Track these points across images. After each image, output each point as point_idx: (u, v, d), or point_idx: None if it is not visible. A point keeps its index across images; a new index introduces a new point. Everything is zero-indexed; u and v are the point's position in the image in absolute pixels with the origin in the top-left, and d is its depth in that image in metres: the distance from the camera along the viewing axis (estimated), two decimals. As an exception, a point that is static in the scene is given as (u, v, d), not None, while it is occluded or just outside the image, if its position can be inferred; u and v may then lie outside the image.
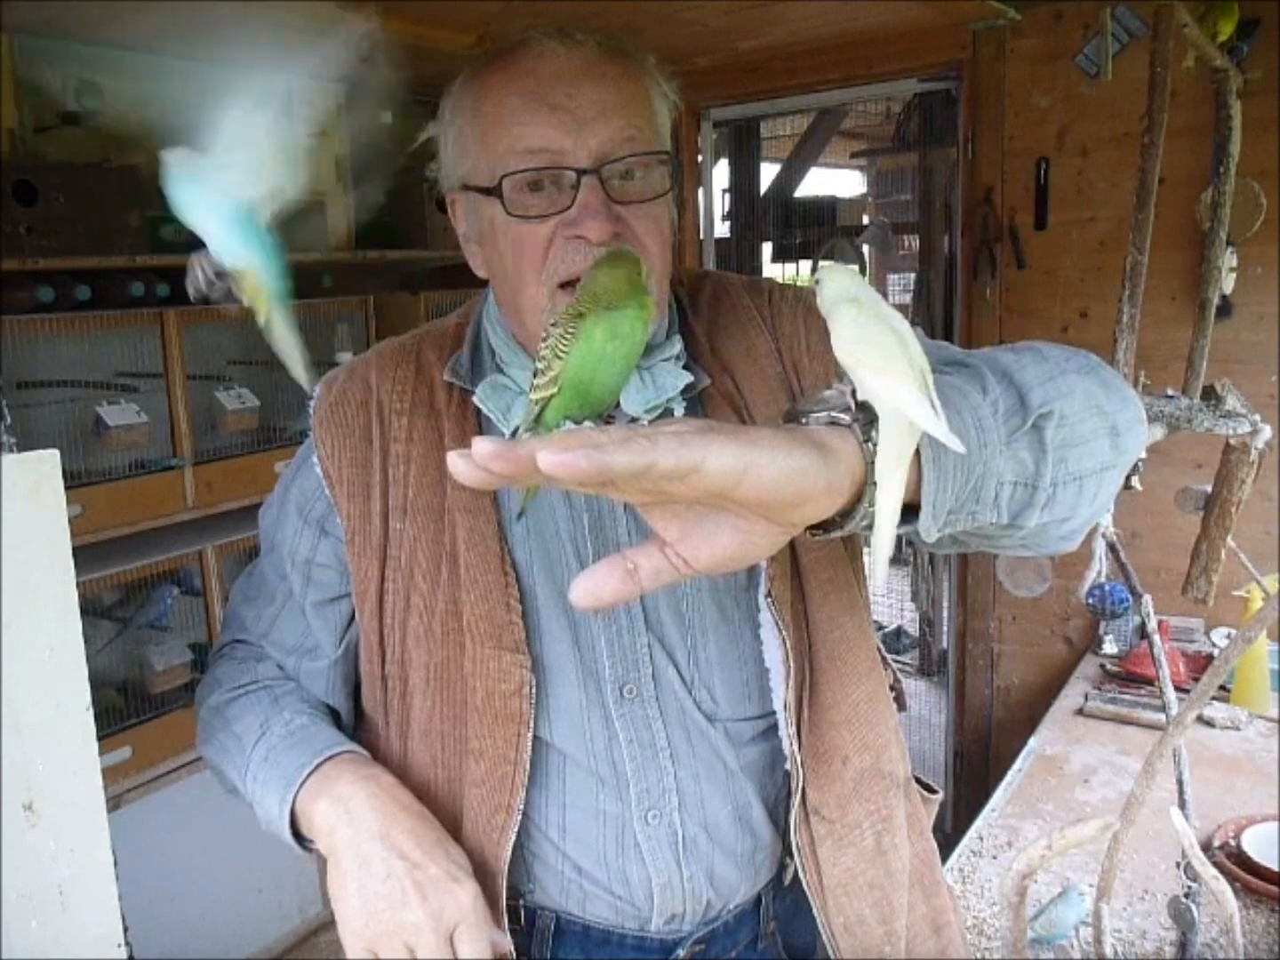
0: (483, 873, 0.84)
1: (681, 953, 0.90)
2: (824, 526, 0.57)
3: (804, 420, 0.56)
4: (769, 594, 0.84)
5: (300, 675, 0.97)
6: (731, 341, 0.89)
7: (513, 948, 0.85)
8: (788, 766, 0.86)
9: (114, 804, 2.11)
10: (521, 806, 0.84)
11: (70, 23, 2.07)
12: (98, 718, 0.63)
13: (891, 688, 0.94)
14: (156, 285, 2.21)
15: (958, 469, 0.57)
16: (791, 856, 0.88)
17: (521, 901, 0.90)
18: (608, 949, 0.90)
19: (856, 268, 0.61)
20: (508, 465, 0.46)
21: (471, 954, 0.78)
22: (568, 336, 0.66)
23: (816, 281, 0.62)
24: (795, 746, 0.85)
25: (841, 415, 0.55)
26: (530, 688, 0.83)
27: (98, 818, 0.64)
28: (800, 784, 0.85)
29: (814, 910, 0.87)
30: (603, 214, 0.80)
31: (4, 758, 0.59)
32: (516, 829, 0.84)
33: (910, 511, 0.57)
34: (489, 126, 0.83)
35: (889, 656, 0.94)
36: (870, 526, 0.55)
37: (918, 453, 0.55)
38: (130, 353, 2.21)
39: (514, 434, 0.81)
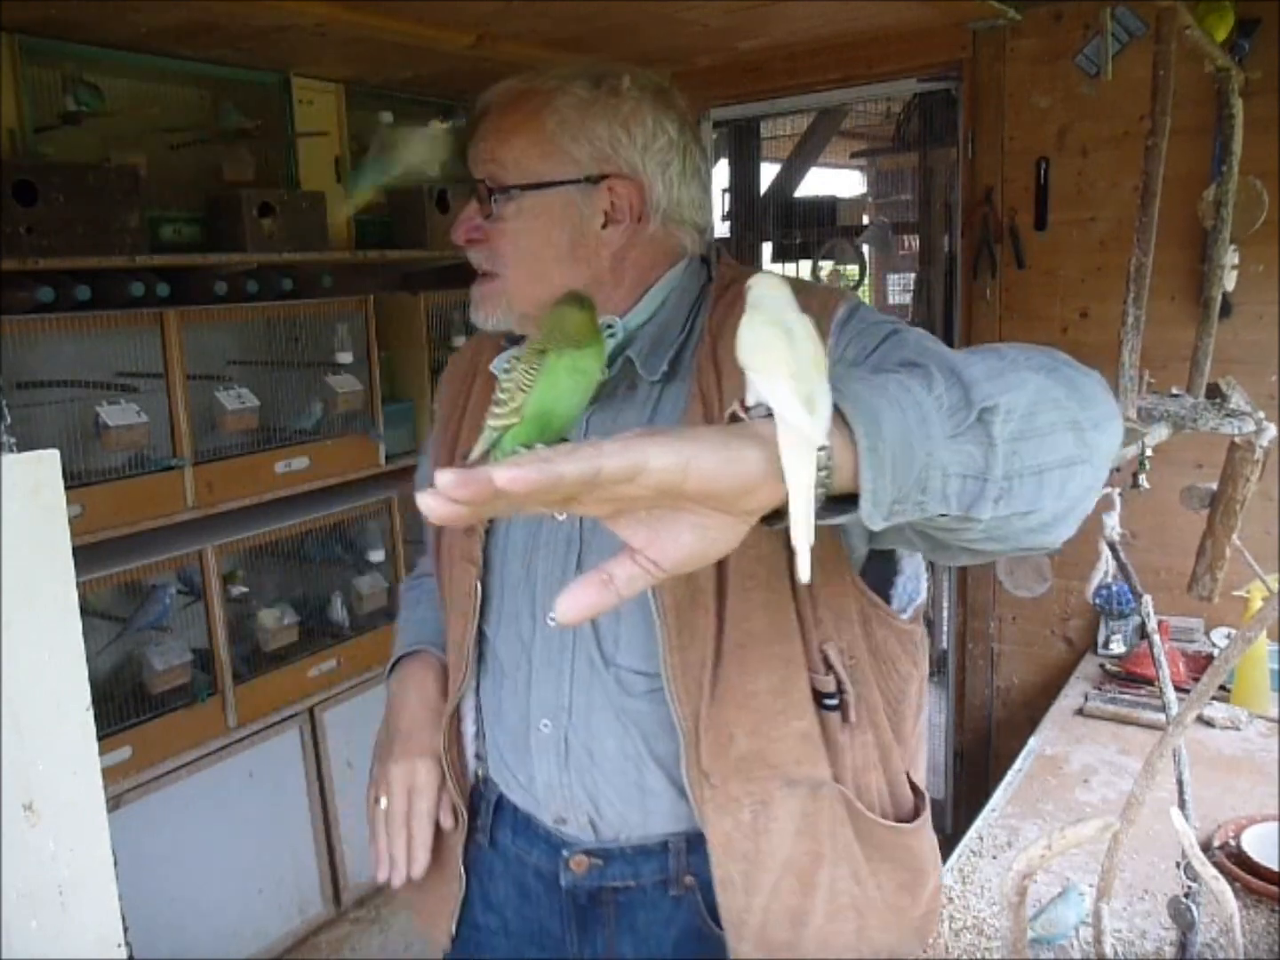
0: (464, 738, 1.12)
1: (568, 855, 1.05)
2: (779, 515, 0.59)
3: (745, 418, 0.60)
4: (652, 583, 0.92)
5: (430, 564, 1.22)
6: (729, 341, 0.93)
7: (464, 813, 1.11)
8: (679, 729, 0.96)
9: (114, 804, 2.11)
10: (472, 684, 1.10)
11: (70, 23, 2.07)
12: (98, 718, 0.63)
13: (831, 696, 0.97)
14: (156, 285, 2.20)
15: (898, 460, 0.59)
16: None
17: (481, 770, 1.14)
18: (526, 833, 1.10)
19: (781, 280, 0.66)
20: (468, 490, 0.50)
21: (416, 811, 1.08)
22: (532, 371, 0.72)
23: (747, 288, 0.65)
24: (681, 712, 0.95)
25: (761, 411, 0.59)
26: (476, 591, 1.05)
27: (98, 818, 0.64)
28: (691, 745, 0.96)
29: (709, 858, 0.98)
30: (463, 224, 1.01)
31: (4, 758, 0.59)
32: (459, 700, 1.10)
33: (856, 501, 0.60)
34: None
35: (842, 674, 0.96)
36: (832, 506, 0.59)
37: (856, 445, 0.58)
38: (130, 353, 2.21)
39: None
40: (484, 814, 1.13)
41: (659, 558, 0.57)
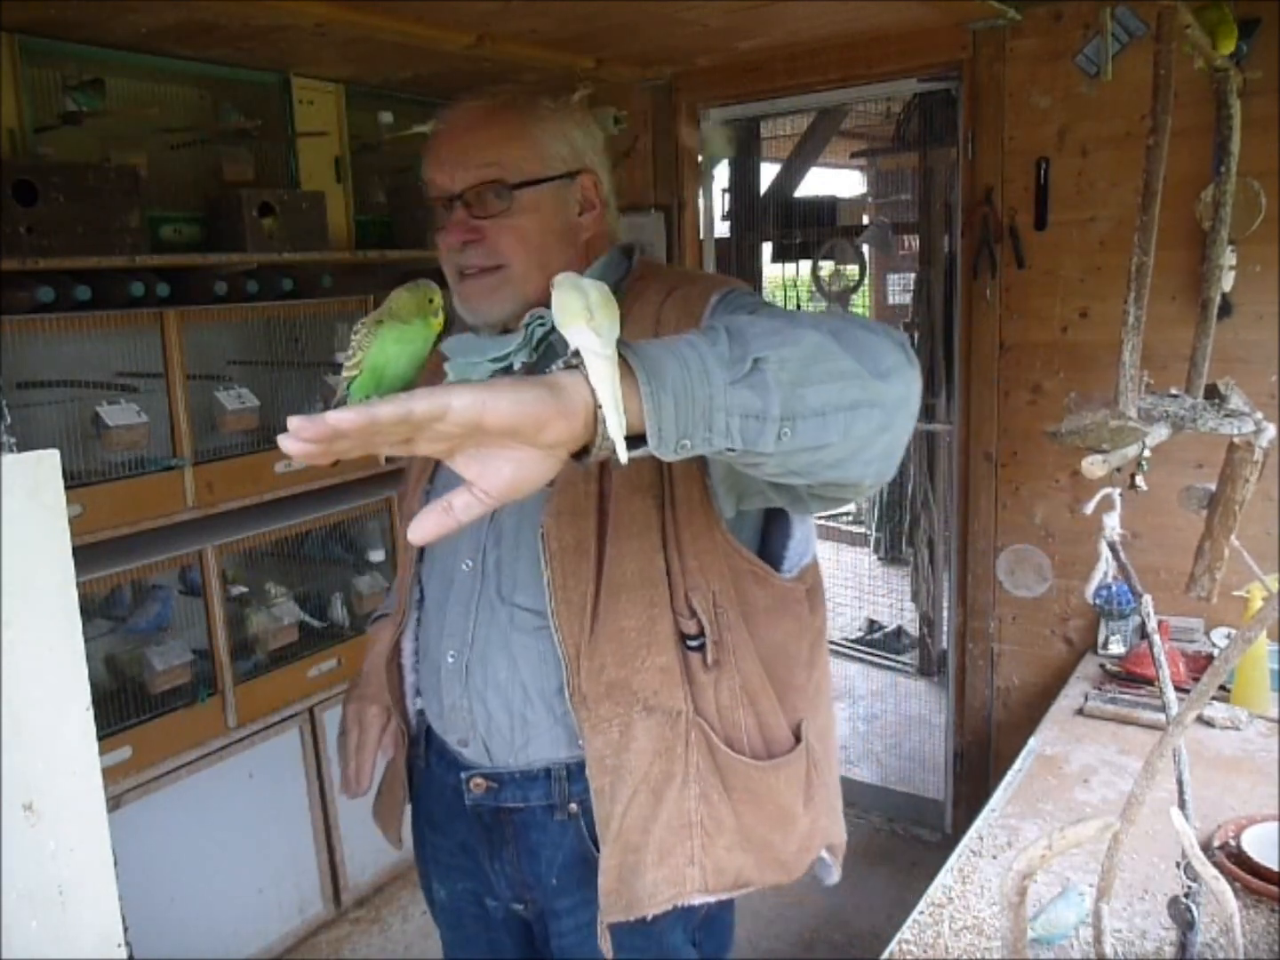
0: (405, 671, 1.29)
1: (465, 776, 1.22)
2: (584, 453, 0.73)
3: (545, 372, 0.75)
4: (541, 524, 1.10)
5: None
6: (632, 326, 1.06)
7: (406, 737, 1.30)
8: (559, 655, 1.12)
9: (114, 804, 2.11)
10: (407, 615, 1.26)
11: (70, 23, 2.07)
12: (98, 718, 0.63)
13: (694, 639, 1.12)
14: (156, 285, 2.21)
15: (679, 402, 0.72)
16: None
17: (418, 703, 1.29)
18: (443, 758, 1.27)
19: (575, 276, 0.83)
20: (312, 430, 0.62)
21: (356, 743, 1.31)
22: (369, 337, 0.91)
23: (553, 285, 0.80)
24: (564, 642, 1.11)
25: (572, 360, 0.73)
26: (416, 548, 1.22)
27: (98, 818, 0.64)
28: (573, 672, 1.11)
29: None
30: (455, 229, 1.13)
31: (4, 758, 0.59)
32: (403, 640, 1.27)
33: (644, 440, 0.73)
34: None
35: (705, 620, 1.11)
36: (613, 451, 0.71)
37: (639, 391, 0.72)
38: (130, 353, 2.21)
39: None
40: (420, 740, 1.31)
41: (488, 488, 0.71)
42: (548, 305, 0.93)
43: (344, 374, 0.94)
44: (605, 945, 1.15)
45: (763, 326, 0.79)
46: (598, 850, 1.15)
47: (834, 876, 1.29)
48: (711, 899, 1.15)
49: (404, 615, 1.27)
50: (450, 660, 1.20)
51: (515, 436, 0.68)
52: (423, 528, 0.72)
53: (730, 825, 1.14)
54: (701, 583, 1.11)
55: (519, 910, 1.29)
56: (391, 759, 1.35)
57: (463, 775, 1.22)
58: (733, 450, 0.76)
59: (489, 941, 1.35)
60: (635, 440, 0.73)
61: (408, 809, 1.36)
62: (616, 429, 0.70)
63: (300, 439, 0.63)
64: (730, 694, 1.14)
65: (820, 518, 5.90)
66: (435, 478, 1.22)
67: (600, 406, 0.70)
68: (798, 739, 1.19)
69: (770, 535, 1.18)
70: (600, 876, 1.14)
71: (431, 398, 0.65)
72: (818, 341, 0.79)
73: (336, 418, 0.62)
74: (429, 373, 1.16)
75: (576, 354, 0.73)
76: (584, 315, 0.74)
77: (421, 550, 1.24)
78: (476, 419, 0.66)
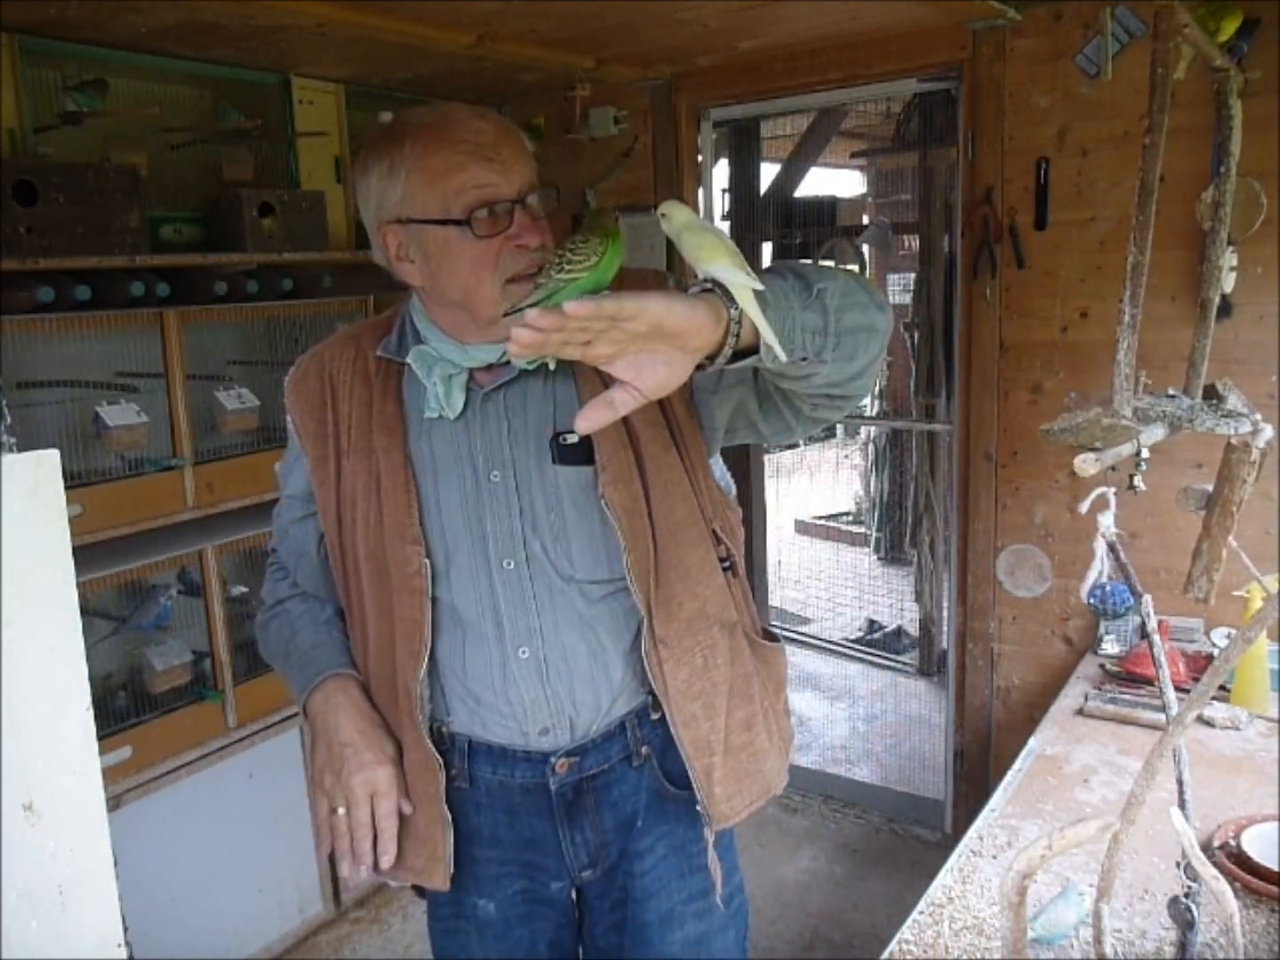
0: (409, 702, 1.24)
1: (555, 760, 1.25)
2: (711, 359, 0.90)
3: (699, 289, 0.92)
4: (602, 495, 1.18)
5: (300, 576, 1.38)
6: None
7: (442, 767, 1.25)
8: (640, 611, 1.20)
9: (114, 804, 2.11)
10: (427, 651, 1.22)
11: (70, 23, 2.07)
12: (98, 718, 0.63)
13: (725, 559, 1.29)
14: (156, 285, 2.21)
15: (777, 314, 0.90)
16: (650, 690, 1.24)
17: (444, 728, 1.27)
18: (506, 762, 1.27)
19: (687, 205, 1.02)
20: (548, 320, 0.79)
21: (384, 813, 1.24)
22: (601, 244, 0.98)
23: (662, 215, 0.95)
24: (640, 596, 1.20)
25: (707, 285, 0.90)
26: (425, 568, 1.21)
27: (98, 818, 0.64)
28: (650, 622, 1.20)
29: (665, 713, 1.23)
30: (534, 228, 1.17)
31: (4, 758, 0.59)
32: (424, 667, 1.22)
33: (750, 354, 0.92)
34: (437, 175, 1.15)
35: (727, 542, 1.29)
36: (737, 358, 0.91)
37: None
38: (130, 353, 2.21)
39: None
40: (457, 763, 1.29)
41: (642, 385, 0.87)
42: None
43: (561, 276, 0.97)
44: (714, 861, 1.27)
45: (808, 267, 1.00)
46: (673, 787, 1.29)
47: None
48: (768, 799, 1.33)
49: (420, 648, 1.22)
50: (524, 657, 1.22)
51: (679, 338, 0.86)
52: (591, 419, 0.89)
53: (771, 700, 1.35)
54: (716, 513, 1.29)
55: (586, 877, 1.33)
56: (418, 807, 1.27)
57: (551, 761, 1.25)
58: (805, 359, 0.95)
59: (530, 936, 1.38)
60: (744, 354, 0.92)
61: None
62: (772, 338, 0.90)
63: (538, 327, 0.79)
64: (743, 598, 1.34)
65: (820, 517, 5.91)
66: (427, 510, 1.23)
67: (737, 323, 0.89)
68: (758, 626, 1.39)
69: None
70: (710, 788, 1.24)
71: (635, 299, 0.82)
72: (845, 279, 1.00)
73: (572, 306, 0.78)
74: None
75: (711, 282, 0.90)
76: (728, 256, 0.90)
77: (433, 578, 1.21)
78: (661, 318, 0.83)
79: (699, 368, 0.91)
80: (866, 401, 4.71)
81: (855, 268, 3.81)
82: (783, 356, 0.91)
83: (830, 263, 3.77)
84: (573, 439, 1.19)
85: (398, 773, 1.26)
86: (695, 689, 1.23)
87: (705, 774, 1.24)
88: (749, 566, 1.66)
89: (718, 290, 0.89)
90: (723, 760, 1.25)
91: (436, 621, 1.23)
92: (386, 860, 1.24)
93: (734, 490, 1.39)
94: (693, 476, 1.25)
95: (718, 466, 1.34)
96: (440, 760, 1.24)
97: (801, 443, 6.27)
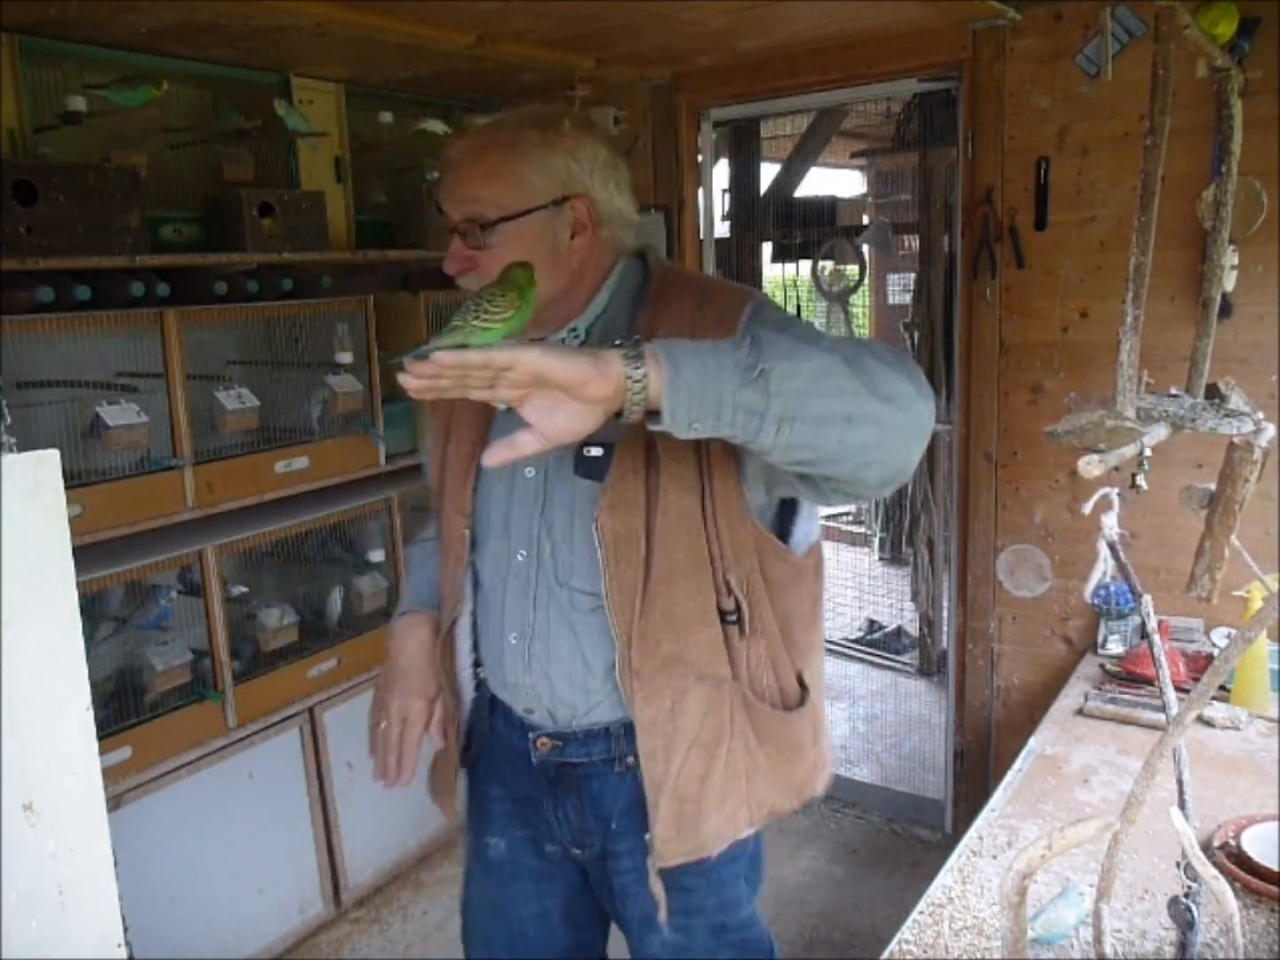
0: (446, 649, 1.39)
1: (533, 737, 1.34)
2: (620, 415, 0.94)
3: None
4: (595, 517, 1.22)
5: (433, 524, 1.52)
6: (708, 322, 1.22)
7: (461, 720, 1.42)
8: (616, 638, 1.23)
9: (114, 804, 2.11)
10: (464, 609, 1.37)
11: (70, 23, 2.07)
12: (98, 718, 0.63)
13: (731, 614, 1.26)
14: (156, 285, 2.21)
15: (693, 392, 0.92)
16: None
17: (481, 675, 1.40)
18: (508, 722, 1.39)
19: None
20: (422, 368, 0.90)
21: (408, 739, 1.39)
22: (517, 299, 1.04)
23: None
24: (618, 624, 1.23)
25: (614, 344, 0.95)
26: (467, 538, 1.33)
27: (98, 818, 0.64)
28: (624, 649, 1.24)
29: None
30: (453, 258, 1.24)
31: (4, 758, 0.59)
32: (461, 622, 1.38)
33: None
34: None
35: (740, 596, 1.25)
36: (645, 414, 0.94)
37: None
38: (130, 353, 2.21)
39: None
40: (485, 709, 1.42)
41: (545, 431, 0.94)
42: (549, 326, 1.27)
43: (481, 324, 1.02)
44: (656, 888, 1.29)
45: (784, 342, 0.96)
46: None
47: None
48: (753, 830, 1.35)
49: (458, 603, 1.37)
50: (513, 642, 1.31)
51: (568, 390, 0.91)
52: (497, 455, 0.97)
53: (765, 768, 1.32)
54: (735, 564, 1.25)
55: (578, 855, 1.41)
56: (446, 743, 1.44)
57: (530, 736, 1.35)
58: (738, 438, 0.96)
59: (538, 893, 1.47)
60: (658, 415, 0.94)
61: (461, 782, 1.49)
62: (665, 406, 0.93)
63: (414, 374, 0.90)
64: (757, 657, 1.29)
65: (821, 517, 5.89)
66: (473, 494, 1.34)
67: (637, 381, 0.92)
68: (803, 687, 1.35)
69: (784, 519, 1.31)
70: (654, 826, 1.27)
71: (508, 351, 0.90)
72: (825, 360, 0.97)
73: (441, 357, 0.89)
74: None
75: (627, 340, 0.95)
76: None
77: (474, 543, 1.35)
78: (539, 370, 0.90)
79: (620, 415, 0.95)
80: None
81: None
82: (669, 428, 0.94)
83: (829, 263, 3.76)
84: (595, 452, 1.22)
85: (432, 709, 1.40)
86: (660, 729, 1.26)
87: (653, 808, 1.27)
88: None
89: (619, 347, 0.93)
90: (667, 804, 1.27)
91: (477, 583, 1.36)
92: (403, 780, 1.39)
93: (814, 536, 1.34)
94: (711, 520, 1.22)
95: (806, 523, 1.31)
96: (455, 706, 1.41)
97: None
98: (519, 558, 1.30)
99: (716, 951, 1.40)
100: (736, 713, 1.28)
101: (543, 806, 1.40)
